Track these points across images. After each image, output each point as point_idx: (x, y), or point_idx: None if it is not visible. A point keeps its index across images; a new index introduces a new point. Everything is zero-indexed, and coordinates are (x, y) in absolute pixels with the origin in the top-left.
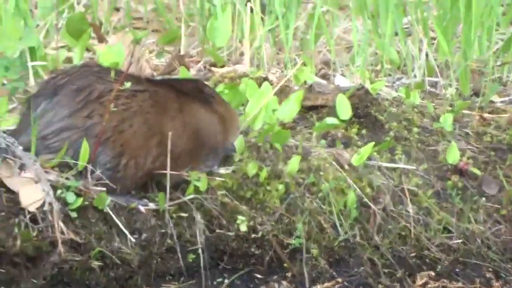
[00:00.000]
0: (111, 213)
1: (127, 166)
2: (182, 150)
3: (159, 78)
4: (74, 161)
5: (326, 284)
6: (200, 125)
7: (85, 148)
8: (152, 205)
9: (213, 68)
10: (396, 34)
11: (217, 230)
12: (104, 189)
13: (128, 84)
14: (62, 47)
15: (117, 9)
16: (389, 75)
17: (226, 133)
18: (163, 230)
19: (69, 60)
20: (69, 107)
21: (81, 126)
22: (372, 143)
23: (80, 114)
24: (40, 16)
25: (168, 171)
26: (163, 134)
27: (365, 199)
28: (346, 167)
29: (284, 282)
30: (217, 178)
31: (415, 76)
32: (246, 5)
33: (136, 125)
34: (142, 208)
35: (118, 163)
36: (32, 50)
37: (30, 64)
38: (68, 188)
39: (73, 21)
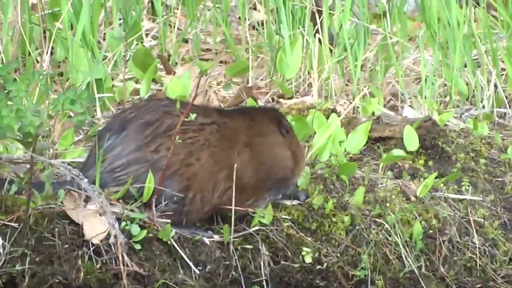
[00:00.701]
0: (175, 245)
1: (194, 200)
2: (247, 183)
3: (232, 108)
4: (139, 194)
5: None
6: (269, 158)
7: (150, 181)
8: (216, 237)
9: (281, 100)
10: (465, 65)
11: (282, 262)
12: (169, 221)
13: (193, 116)
14: (129, 79)
15: (186, 41)
16: (457, 106)
17: (295, 168)
18: (227, 262)
19: (136, 92)
20: (136, 141)
21: (148, 160)
22: (435, 174)
23: (148, 148)
24: (108, 47)
25: (233, 207)
26: (230, 167)
27: (431, 231)
28: (413, 198)
29: None
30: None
31: (483, 107)
32: (314, 36)
33: (204, 158)
34: (206, 240)
35: (184, 197)
36: (99, 82)
37: (97, 96)
38: (132, 220)
39: (140, 53)
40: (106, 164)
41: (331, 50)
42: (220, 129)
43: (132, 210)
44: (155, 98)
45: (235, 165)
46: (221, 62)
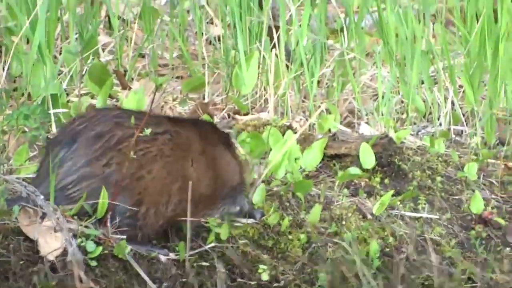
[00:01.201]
0: (131, 261)
1: (147, 214)
2: (202, 193)
3: (180, 117)
4: (93, 210)
5: None
6: (222, 167)
7: (103, 197)
8: (172, 255)
9: (236, 116)
10: (422, 82)
11: (239, 279)
12: (124, 237)
13: (148, 131)
14: (85, 94)
15: (143, 56)
16: (414, 123)
17: (242, 177)
18: (184, 279)
19: (92, 107)
20: (86, 155)
21: (99, 174)
22: (392, 191)
23: (98, 162)
24: (64, 62)
25: (188, 218)
26: (185, 178)
27: (388, 249)
28: (369, 216)
29: None
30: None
31: (440, 124)
32: (271, 51)
33: (155, 170)
34: (162, 258)
35: (137, 212)
36: (54, 97)
37: (52, 111)
38: (88, 236)
39: (96, 68)
40: (57, 180)
41: (287, 66)
42: (173, 138)
43: (87, 227)
44: (105, 108)
45: (190, 175)
46: (177, 77)
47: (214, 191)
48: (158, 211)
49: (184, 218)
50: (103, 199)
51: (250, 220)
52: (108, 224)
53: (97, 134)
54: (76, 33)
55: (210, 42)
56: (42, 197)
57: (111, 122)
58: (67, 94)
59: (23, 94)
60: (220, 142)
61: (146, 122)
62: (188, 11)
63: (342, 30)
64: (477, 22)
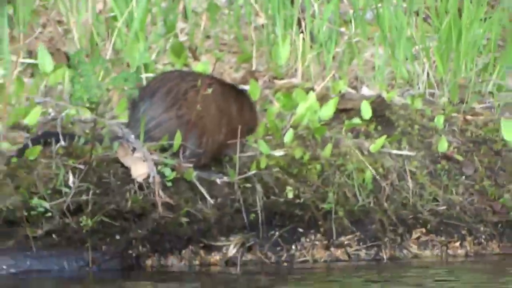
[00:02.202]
0: (196, 183)
1: (207, 142)
2: (236, 127)
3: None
4: (169, 146)
5: (348, 236)
6: (246, 112)
7: (178, 135)
8: (225, 179)
9: (275, 80)
10: (407, 58)
11: (272, 197)
12: (191, 165)
13: (209, 90)
14: (167, 64)
15: (209, 37)
16: (400, 87)
17: (256, 121)
18: (232, 196)
19: None
20: (162, 105)
21: (173, 118)
22: (384, 136)
23: (172, 109)
24: (153, 41)
25: (237, 154)
26: (229, 115)
27: (378, 176)
28: (366, 153)
29: (318, 235)
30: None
31: (419, 88)
32: (299, 35)
33: (212, 111)
34: (218, 180)
35: (201, 142)
36: (145, 66)
37: (144, 76)
38: (165, 164)
39: (175, 45)
40: (145, 127)
41: (311, 46)
42: (220, 88)
43: (165, 157)
44: (171, 71)
45: (232, 113)
46: (234, 52)
47: (242, 126)
48: (214, 139)
49: (229, 141)
50: (177, 138)
51: (282, 153)
52: (180, 155)
53: (168, 89)
54: (161, 21)
55: (256, 28)
56: (133, 136)
57: (178, 79)
58: (155, 63)
59: (123, 63)
60: (244, 97)
61: (202, 80)
62: (241, 6)
63: (350, 21)
64: (446, 16)
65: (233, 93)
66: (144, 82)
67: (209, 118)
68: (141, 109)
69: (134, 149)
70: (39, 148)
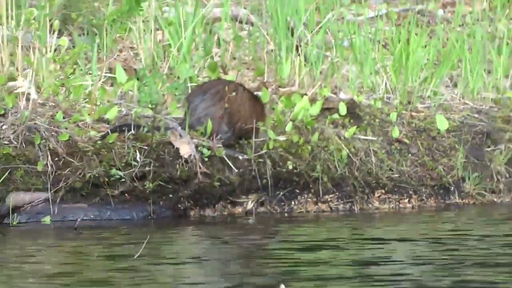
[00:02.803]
0: (225, 158)
1: (240, 127)
2: (257, 118)
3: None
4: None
5: (330, 195)
6: (259, 110)
7: (209, 123)
8: (245, 156)
9: (280, 88)
10: (371, 73)
11: (277, 168)
12: (221, 146)
13: (233, 93)
14: (206, 77)
15: (234, 58)
16: (366, 93)
17: (265, 118)
18: (250, 168)
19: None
20: (212, 101)
21: (218, 110)
22: (355, 126)
23: (219, 104)
24: (195, 61)
25: (253, 139)
26: (254, 111)
27: (351, 154)
28: (342, 138)
29: (310, 194)
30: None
31: (379, 93)
32: (297, 57)
33: (245, 107)
34: (240, 157)
35: (235, 127)
36: (190, 78)
37: (189, 85)
38: (203, 146)
39: (211, 64)
40: (196, 115)
41: (305, 65)
42: (248, 93)
43: (203, 141)
44: (215, 80)
45: (256, 110)
46: (252, 69)
47: (258, 119)
48: (244, 125)
49: (250, 128)
50: (209, 126)
51: (284, 138)
52: (214, 139)
53: (216, 90)
54: (202, 47)
55: (267, 52)
56: (180, 127)
57: (221, 85)
58: (197, 76)
59: (175, 77)
60: (259, 100)
61: (234, 85)
62: (257, 37)
63: (333, 47)
64: (399, 43)
65: (254, 96)
66: (189, 90)
67: (243, 111)
68: (196, 102)
69: (181, 135)
70: (115, 135)
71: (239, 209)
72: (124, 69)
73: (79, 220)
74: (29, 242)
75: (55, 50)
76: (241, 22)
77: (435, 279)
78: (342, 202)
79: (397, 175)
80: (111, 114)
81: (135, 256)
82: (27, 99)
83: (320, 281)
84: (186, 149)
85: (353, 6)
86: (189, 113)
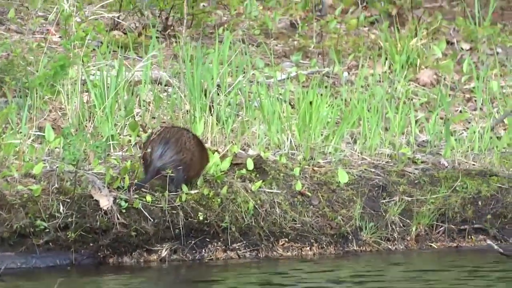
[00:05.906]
0: (142, 209)
1: (190, 174)
2: (203, 165)
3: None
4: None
5: (238, 244)
6: (205, 156)
7: (175, 172)
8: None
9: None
10: (278, 131)
11: (189, 219)
12: (137, 196)
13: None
14: (126, 135)
15: (154, 117)
16: (273, 149)
17: (207, 162)
18: (164, 218)
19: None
20: (174, 150)
21: (181, 159)
22: (261, 180)
23: (180, 153)
24: (118, 120)
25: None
26: (201, 157)
27: (257, 206)
28: (250, 191)
29: (219, 243)
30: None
31: (285, 150)
32: (210, 117)
33: (196, 154)
34: (155, 208)
35: (188, 175)
36: (112, 136)
37: (110, 142)
38: (121, 198)
39: (132, 123)
40: (160, 163)
41: (217, 123)
42: (197, 139)
43: (121, 193)
44: (169, 126)
45: (202, 156)
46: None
47: (204, 165)
48: (194, 173)
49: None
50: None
51: (196, 191)
52: (131, 191)
53: (175, 139)
54: (124, 107)
55: (184, 112)
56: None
57: (179, 132)
58: (119, 134)
59: (99, 135)
60: (203, 144)
61: (188, 133)
62: (175, 98)
63: (243, 107)
64: (303, 104)
65: (200, 141)
66: (112, 147)
67: (195, 158)
68: (160, 151)
69: (100, 189)
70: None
71: (154, 257)
72: (53, 128)
73: (2, 268)
74: None
75: None
76: (160, 83)
77: None
78: (249, 249)
79: (300, 225)
80: (37, 169)
81: None
82: None
83: None
84: (105, 201)
85: (266, 69)
86: (154, 159)
